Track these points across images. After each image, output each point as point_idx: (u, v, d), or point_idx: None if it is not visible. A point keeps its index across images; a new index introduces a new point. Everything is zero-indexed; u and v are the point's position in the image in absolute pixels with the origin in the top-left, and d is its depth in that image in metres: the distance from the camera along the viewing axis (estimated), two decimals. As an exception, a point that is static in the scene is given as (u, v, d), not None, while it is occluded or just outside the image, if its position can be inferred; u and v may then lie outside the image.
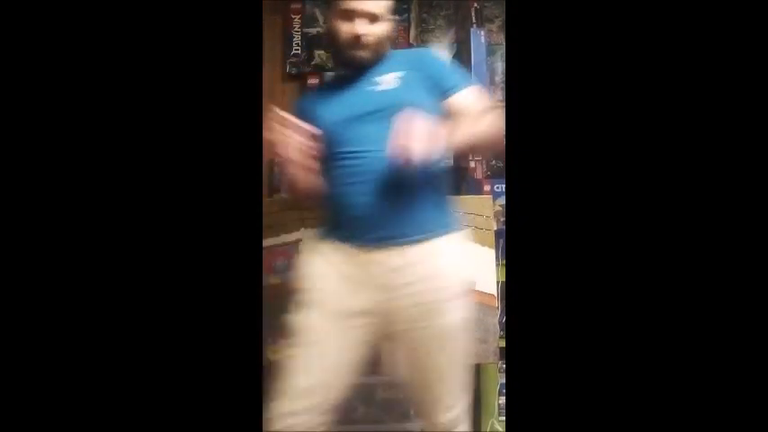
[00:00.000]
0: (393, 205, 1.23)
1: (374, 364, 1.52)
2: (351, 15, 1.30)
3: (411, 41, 2.33)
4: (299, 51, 2.10)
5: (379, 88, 1.31)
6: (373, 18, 1.31)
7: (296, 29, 2.11)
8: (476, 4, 2.03)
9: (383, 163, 1.18)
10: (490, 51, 2.11)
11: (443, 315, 1.26)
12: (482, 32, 1.99)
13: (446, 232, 1.29)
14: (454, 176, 2.26)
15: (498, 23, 2.23)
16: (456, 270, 1.29)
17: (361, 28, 1.30)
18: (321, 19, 2.10)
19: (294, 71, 2.09)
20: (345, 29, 1.31)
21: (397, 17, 1.49)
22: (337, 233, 1.29)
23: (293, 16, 2.12)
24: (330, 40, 1.39)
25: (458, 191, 2.20)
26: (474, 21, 2.02)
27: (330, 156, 1.29)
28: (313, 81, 2.06)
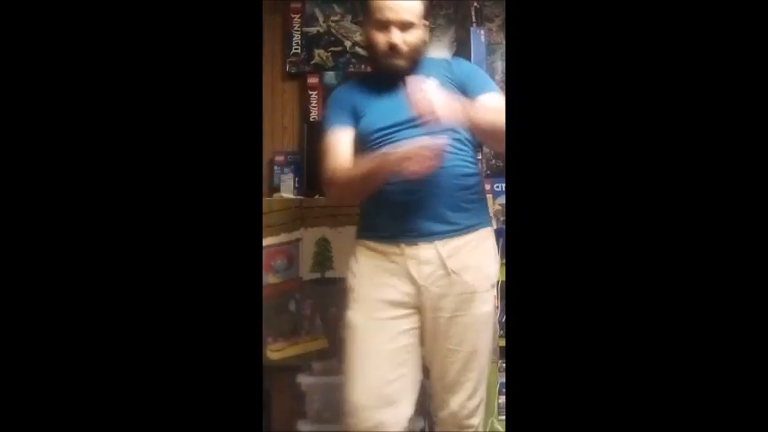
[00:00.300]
0: (426, 203, 1.29)
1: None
2: (386, 25, 1.34)
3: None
4: (299, 51, 2.10)
5: None
6: (407, 26, 1.34)
7: (296, 28, 2.10)
8: (476, 4, 2.03)
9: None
10: (490, 51, 2.10)
11: (473, 305, 1.33)
12: (482, 32, 1.99)
13: (475, 229, 1.36)
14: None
15: (498, 23, 2.23)
16: (484, 264, 1.37)
17: (396, 37, 1.33)
18: (321, 18, 2.09)
19: (294, 70, 2.09)
20: (381, 39, 1.35)
21: (430, 22, 1.51)
22: (375, 229, 1.36)
23: (293, 15, 2.11)
24: (367, 50, 1.44)
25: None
26: (474, 20, 2.02)
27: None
28: (312, 80, 2.06)
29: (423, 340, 1.37)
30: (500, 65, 2.15)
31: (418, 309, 1.34)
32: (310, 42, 2.10)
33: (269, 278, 1.86)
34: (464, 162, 1.37)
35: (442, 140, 1.18)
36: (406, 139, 1.26)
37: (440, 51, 2.34)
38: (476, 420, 1.38)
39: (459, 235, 1.34)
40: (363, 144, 1.37)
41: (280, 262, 1.89)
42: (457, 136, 1.34)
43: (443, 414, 1.39)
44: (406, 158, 1.17)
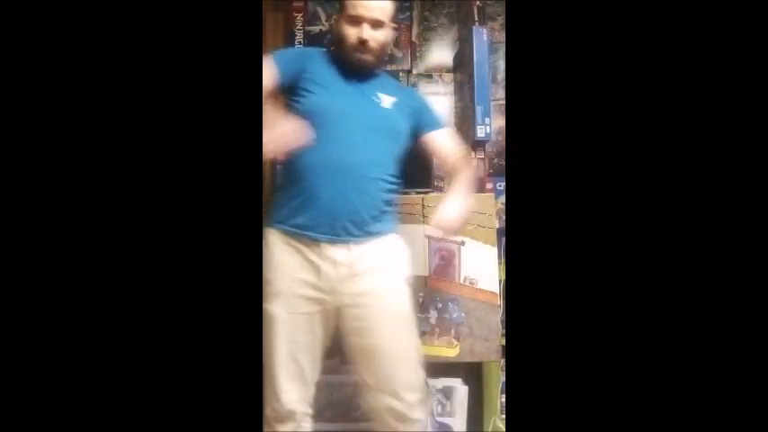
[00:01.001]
0: (352, 206, 1.35)
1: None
2: (358, 21, 1.41)
3: (413, 40, 2.33)
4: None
5: (381, 104, 1.44)
6: (378, 24, 1.42)
7: (298, 27, 2.11)
8: (478, 3, 2.03)
9: (350, 165, 1.34)
10: (492, 50, 2.10)
11: (385, 301, 1.38)
12: (484, 31, 1.99)
13: (383, 234, 1.42)
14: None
15: (500, 22, 2.23)
16: (393, 265, 1.42)
17: (366, 33, 1.41)
18: (323, 17, 2.10)
19: (296, 69, 2.09)
20: (352, 33, 1.42)
21: (397, 24, 1.60)
22: (298, 223, 1.38)
23: (295, 14, 2.12)
24: (336, 44, 1.48)
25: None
26: (476, 19, 2.02)
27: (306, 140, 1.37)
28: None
29: (341, 337, 1.41)
30: (502, 64, 2.15)
31: (331, 306, 1.38)
32: (312, 41, 2.11)
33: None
34: (391, 177, 1.44)
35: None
36: (348, 132, 1.36)
37: (442, 50, 2.36)
38: (416, 415, 1.38)
39: (370, 240, 1.39)
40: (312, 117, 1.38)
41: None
42: (394, 150, 1.44)
43: (378, 410, 1.39)
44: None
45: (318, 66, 1.46)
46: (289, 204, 1.40)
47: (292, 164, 1.37)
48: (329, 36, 2.06)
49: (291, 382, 1.35)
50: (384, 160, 1.42)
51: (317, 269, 1.35)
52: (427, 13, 2.35)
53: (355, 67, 1.44)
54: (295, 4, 2.13)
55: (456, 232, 1.36)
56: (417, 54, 2.35)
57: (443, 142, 1.56)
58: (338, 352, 1.50)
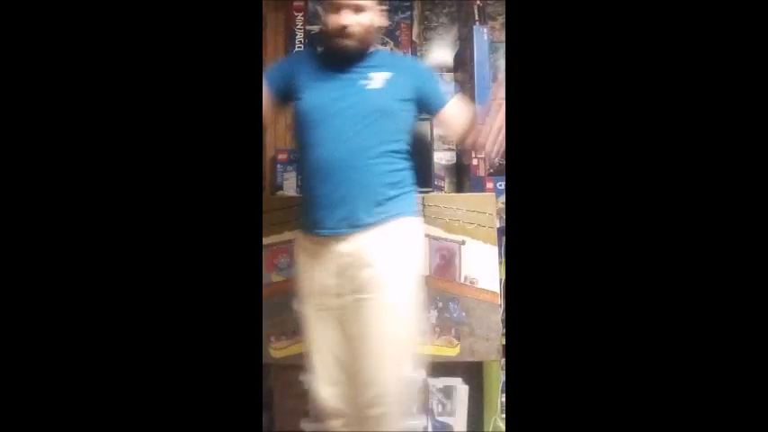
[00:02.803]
0: (341, 199, 1.36)
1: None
2: (338, 8, 1.41)
3: (414, 39, 2.33)
4: (302, 49, 2.10)
5: (369, 85, 1.42)
6: (360, 9, 1.42)
7: (298, 26, 2.11)
8: (478, 2, 2.03)
9: (338, 160, 1.34)
10: (493, 49, 2.10)
11: (386, 292, 1.36)
12: (485, 30, 1.99)
13: (395, 218, 1.40)
14: (457, 173, 2.27)
15: (501, 21, 2.23)
16: (395, 253, 1.40)
17: (347, 19, 1.40)
18: (323, 16, 2.10)
19: (296, 69, 2.09)
20: (333, 20, 1.42)
21: (386, 7, 1.58)
22: (306, 223, 1.42)
23: (296, 14, 2.12)
24: (323, 34, 1.49)
25: (460, 188, 2.21)
26: (477, 18, 2.02)
27: (304, 143, 1.40)
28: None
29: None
30: (503, 63, 2.15)
31: (344, 297, 1.39)
32: (313, 40, 2.11)
33: (272, 277, 1.87)
34: (391, 156, 1.41)
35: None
36: (342, 122, 1.36)
37: (443, 50, 2.36)
38: (377, 411, 1.37)
39: (377, 226, 1.38)
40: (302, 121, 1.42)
41: (283, 260, 1.89)
42: (389, 128, 1.42)
43: (347, 399, 1.40)
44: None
45: (305, 67, 1.48)
46: (302, 207, 1.45)
47: (300, 167, 1.40)
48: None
49: (323, 380, 1.40)
50: (376, 143, 1.39)
51: (328, 266, 1.38)
52: (428, 12, 2.36)
53: (341, 54, 1.43)
54: (295, 3, 2.13)
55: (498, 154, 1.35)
56: (418, 53, 2.35)
57: (454, 115, 1.51)
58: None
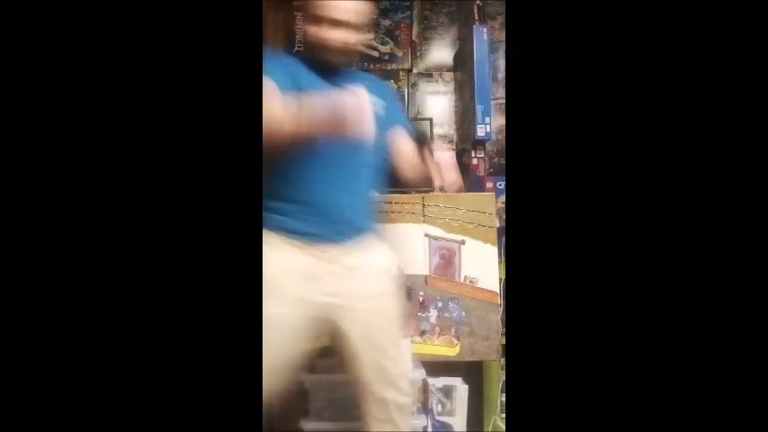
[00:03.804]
0: (329, 205, 1.36)
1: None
2: (318, 21, 1.36)
3: (413, 39, 2.33)
4: (302, 49, 2.10)
5: None
6: (340, 24, 1.37)
7: (298, 27, 2.11)
8: (478, 2, 2.03)
9: (332, 165, 1.34)
10: (493, 48, 2.11)
11: (372, 298, 1.39)
12: (484, 29, 1.99)
13: (368, 231, 1.43)
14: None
15: (501, 20, 2.23)
16: (379, 261, 1.44)
17: (326, 33, 1.36)
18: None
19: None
20: (313, 32, 1.38)
21: (370, 27, 1.56)
22: (289, 226, 1.39)
23: (295, 14, 2.12)
24: (303, 45, 1.50)
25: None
26: (476, 18, 2.02)
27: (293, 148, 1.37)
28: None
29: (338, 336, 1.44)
30: (502, 62, 2.16)
31: (329, 306, 1.40)
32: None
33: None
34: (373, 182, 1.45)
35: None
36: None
37: (443, 49, 2.36)
38: (411, 403, 1.43)
39: (356, 237, 1.40)
40: None
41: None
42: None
43: (378, 403, 1.41)
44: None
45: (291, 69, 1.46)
46: (283, 209, 1.41)
47: (283, 170, 1.37)
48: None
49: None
50: (350, 158, 1.37)
51: (308, 270, 1.38)
52: (427, 12, 2.36)
53: (319, 67, 1.40)
54: (295, 3, 2.13)
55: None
56: (418, 53, 2.36)
57: (403, 144, 1.49)
58: (337, 352, 1.50)
